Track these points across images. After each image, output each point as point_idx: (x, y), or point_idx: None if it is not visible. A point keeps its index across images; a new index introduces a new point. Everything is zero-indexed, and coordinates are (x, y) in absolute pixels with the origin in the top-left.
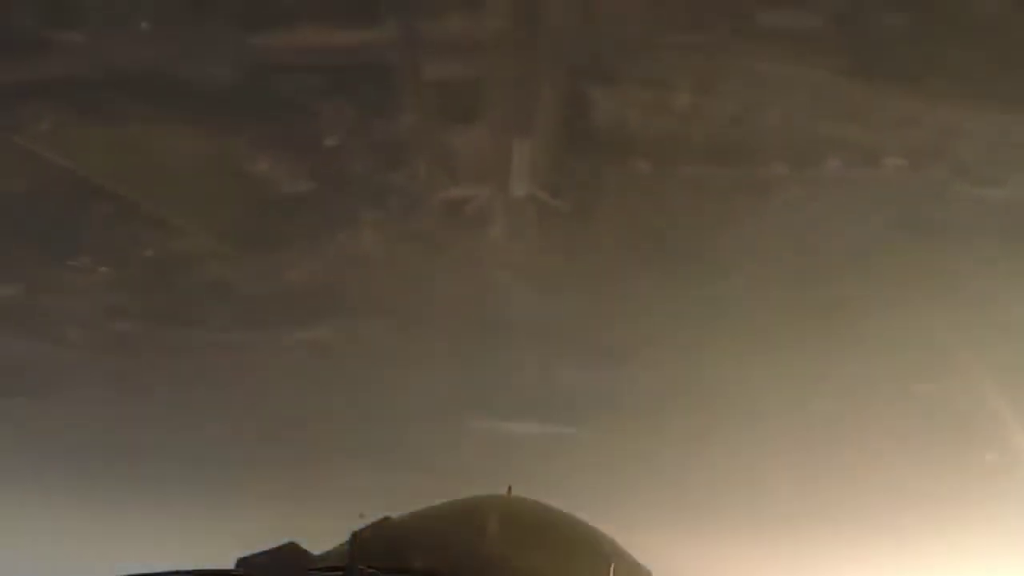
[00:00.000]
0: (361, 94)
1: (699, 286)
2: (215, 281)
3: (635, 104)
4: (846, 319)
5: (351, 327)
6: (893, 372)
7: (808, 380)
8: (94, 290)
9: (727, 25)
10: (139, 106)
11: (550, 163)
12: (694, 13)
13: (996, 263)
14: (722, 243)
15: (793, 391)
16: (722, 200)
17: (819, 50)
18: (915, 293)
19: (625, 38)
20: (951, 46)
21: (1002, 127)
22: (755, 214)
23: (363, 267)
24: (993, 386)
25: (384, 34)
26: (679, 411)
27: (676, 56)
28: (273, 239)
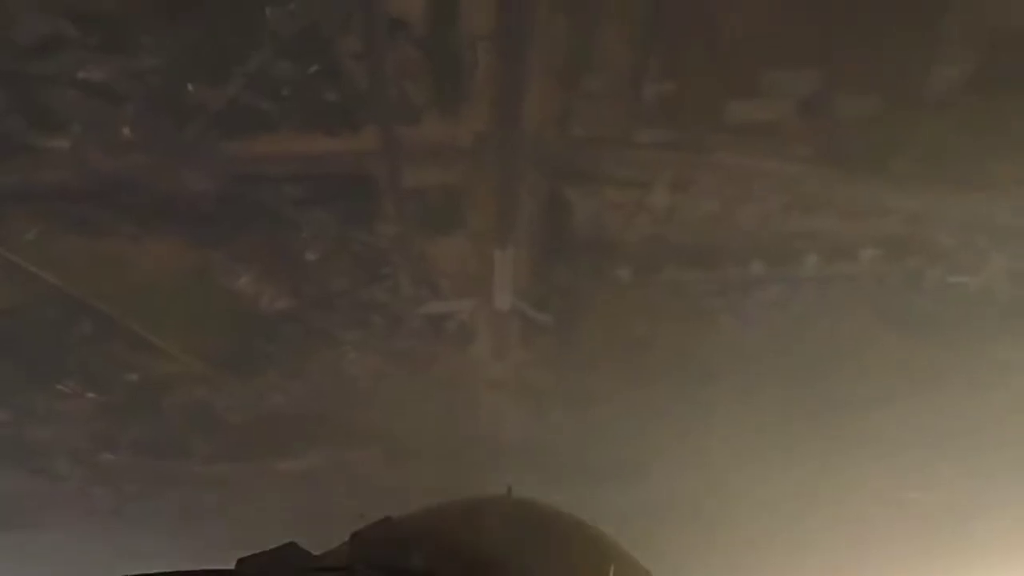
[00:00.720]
0: (341, 204)
1: (687, 397)
2: (200, 408)
3: (614, 206)
4: (834, 421)
5: (338, 457)
6: (886, 476)
7: (802, 489)
8: (81, 417)
9: (699, 121)
10: (122, 218)
11: (532, 273)
12: (667, 110)
13: (980, 354)
14: (707, 350)
15: (786, 501)
16: (704, 304)
17: (788, 140)
18: (900, 390)
19: (602, 137)
20: (914, 128)
21: (973, 209)
22: (737, 316)
23: (347, 391)
24: (983, 486)
25: (364, 141)
26: (674, 526)
27: (652, 154)
28: (256, 361)
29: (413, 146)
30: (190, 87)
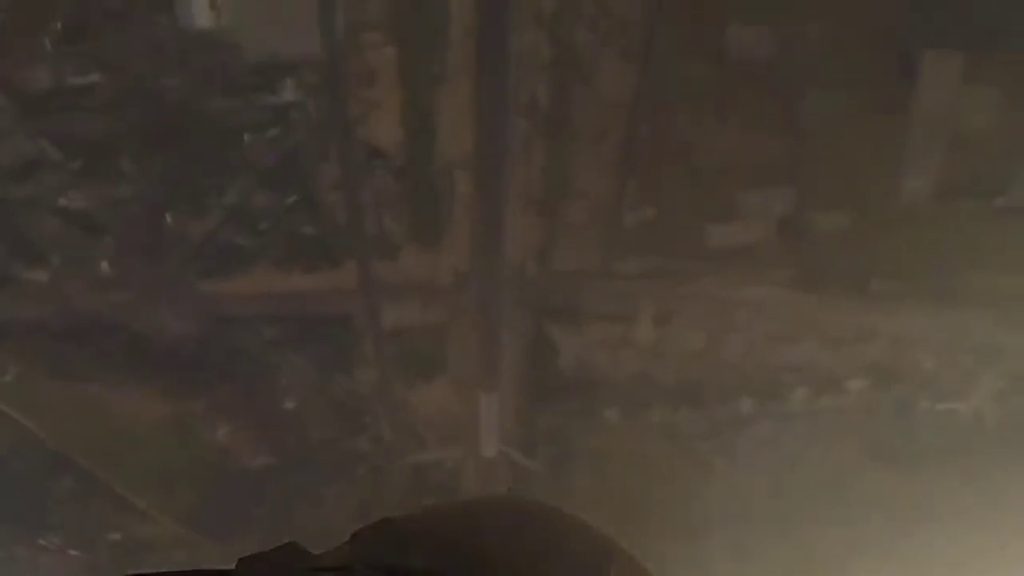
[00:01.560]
0: (320, 347)
1: (682, 555)
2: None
3: (599, 343)
4: (829, 570)
5: None
6: None
7: None
8: (63, 574)
9: (680, 247)
10: (102, 362)
11: (519, 417)
12: (647, 237)
13: (970, 484)
14: (701, 498)
15: None
16: (696, 447)
17: (767, 264)
18: (893, 528)
19: (584, 270)
20: (889, 241)
21: (956, 328)
22: (729, 457)
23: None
24: None
25: (342, 278)
26: None
27: (634, 285)
28: (237, 523)
29: (392, 283)
30: (168, 218)
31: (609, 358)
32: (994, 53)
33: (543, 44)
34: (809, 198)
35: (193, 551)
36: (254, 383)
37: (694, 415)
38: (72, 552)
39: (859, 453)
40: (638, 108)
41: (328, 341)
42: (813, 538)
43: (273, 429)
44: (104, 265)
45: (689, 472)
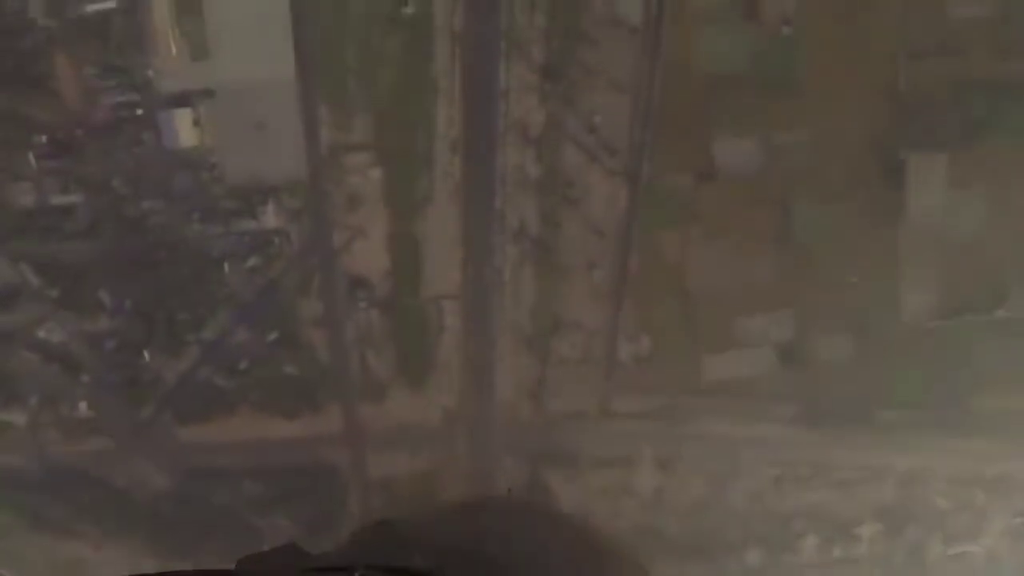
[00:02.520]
0: (305, 505)
1: None
2: None
3: (599, 492)
4: None
5: None
6: None
7: None
8: None
9: (678, 382)
10: (81, 517)
11: None
12: (644, 371)
13: None
14: None
15: None
16: None
17: (770, 399)
18: None
19: (579, 411)
20: (893, 368)
21: (967, 460)
22: None
23: None
24: None
25: (326, 424)
26: None
27: (632, 425)
28: None
29: (378, 428)
30: (147, 355)
31: (610, 507)
32: (974, 148)
33: (530, 164)
34: (808, 321)
35: None
36: (238, 544)
37: (702, 570)
38: None
39: None
40: (629, 231)
41: (313, 497)
42: None
43: None
44: (83, 406)
45: None
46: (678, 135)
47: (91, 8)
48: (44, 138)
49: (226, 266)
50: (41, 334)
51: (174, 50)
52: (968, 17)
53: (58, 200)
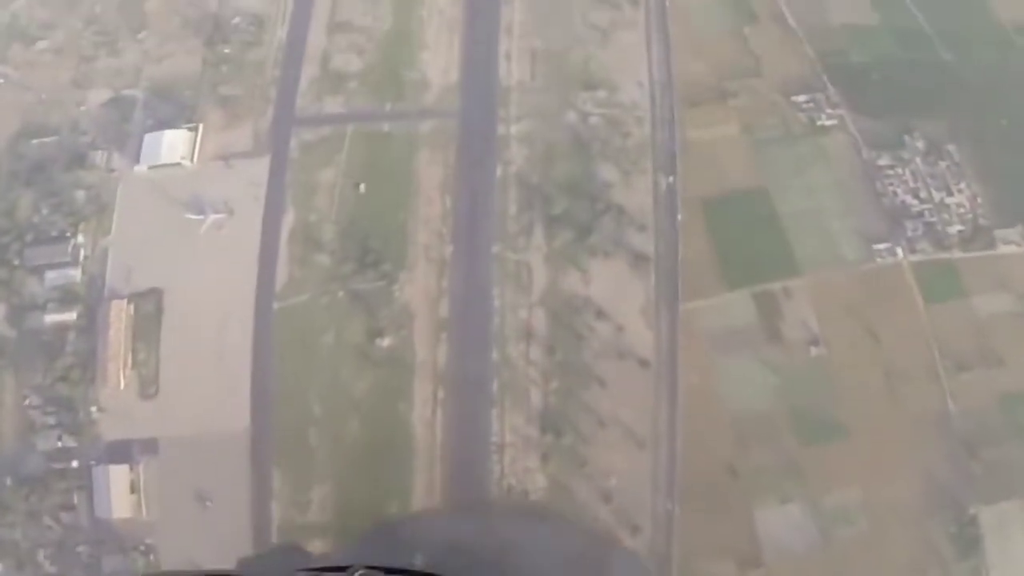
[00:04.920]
0: None
1: None
2: None
3: None
4: None
5: None
6: None
7: None
8: None
9: None
10: None
11: None
12: None
13: None
14: None
15: None
16: None
17: None
18: None
19: None
20: None
21: None
22: None
23: None
24: None
25: None
26: None
27: None
28: None
29: None
30: None
31: None
32: None
33: None
34: None
35: None
36: None
37: None
38: None
39: None
40: None
41: None
42: None
43: None
44: None
45: None
46: (711, 503)
47: (50, 319)
48: None
49: None
50: None
51: (123, 382)
52: (994, 312)
53: None
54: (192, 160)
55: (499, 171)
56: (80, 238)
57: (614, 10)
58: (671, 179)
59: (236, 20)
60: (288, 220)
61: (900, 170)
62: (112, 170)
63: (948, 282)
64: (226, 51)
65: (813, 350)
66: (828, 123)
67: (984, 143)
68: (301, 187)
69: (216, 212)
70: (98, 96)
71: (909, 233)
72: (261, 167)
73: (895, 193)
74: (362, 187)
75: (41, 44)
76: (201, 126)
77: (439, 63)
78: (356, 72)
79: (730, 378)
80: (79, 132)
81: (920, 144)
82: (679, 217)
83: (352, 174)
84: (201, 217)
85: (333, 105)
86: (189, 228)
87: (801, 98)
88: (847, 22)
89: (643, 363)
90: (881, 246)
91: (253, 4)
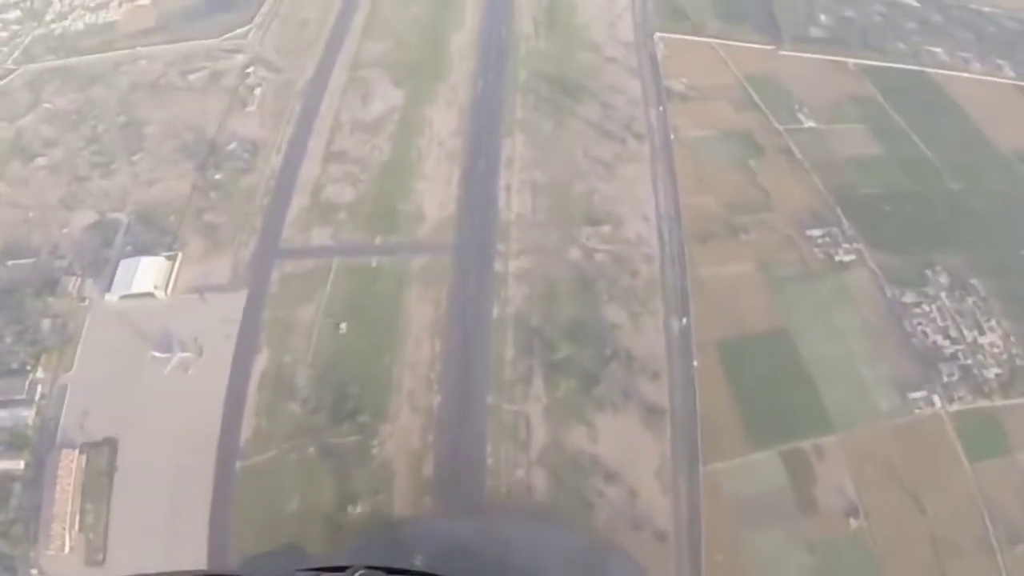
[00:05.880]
0: None
1: None
2: None
3: None
4: None
5: None
6: None
7: None
8: None
9: None
10: None
11: None
12: None
13: None
14: None
15: None
16: None
17: None
18: None
19: None
20: None
21: None
22: None
23: None
24: None
25: None
26: None
27: None
28: None
29: None
30: None
31: None
32: None
33: None
34: None
35: None
36: None
37: None
38: None
39: None
40: None
41: None
42: None
43: None
44: None
45: None
46: None
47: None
48: None
49: None
50: None
51: (68, 546)
52: None
53: None
54: (166, 291)
55: (495, 311)
56: (40, 372)
57: (618, 144)
58: (684, 321)
59: (232, 146)
60: (260, 361)
61: (926, 307)
62: (83, 298)
63: (992, 435)
64: (217, 177)
65: (852, 522)
66: (846, 258)
67: (1007, 275)
68: (277, 325)
69: (184, 351)
70: (83, 218)
71: (945, 378)
72: (237, 302)
73: (925, 333)
74: (343, 327)
75: (40, 161)
76: (180, 254)
77: (436, 195)
78: (347, 203)
79: (760, 556)
80: (57, 255)
81: (943, 279)
82: (695, 363)
83: (334, 312)
84: (167, 355)
85: (320, 237)
86: (154, 368)
87: (816, 232)
88: (852, 154)
89: (660, 536)
90: (917, 394)
91: (252, 130)
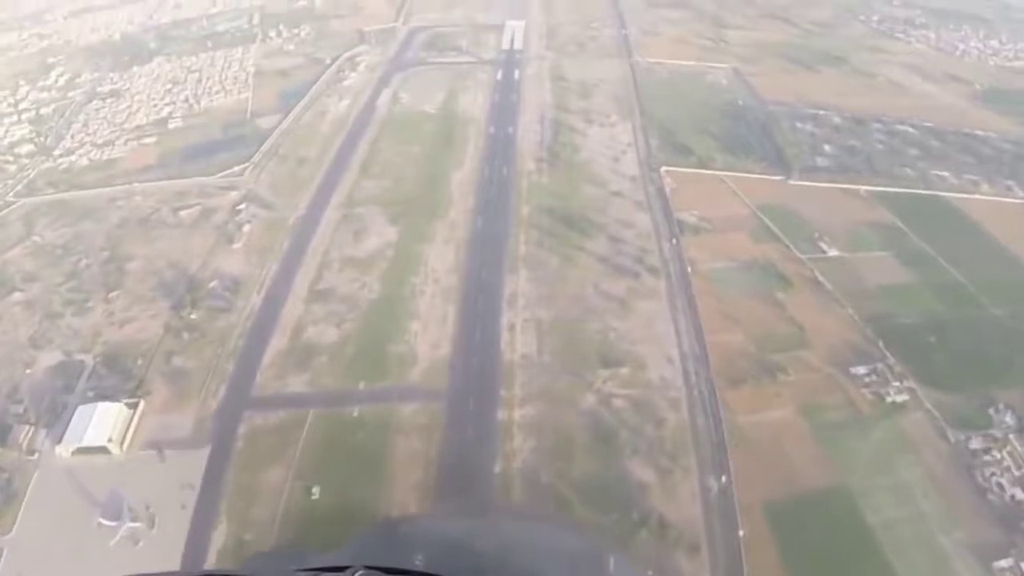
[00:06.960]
0: None
1: None
2: None
3: None
4: None
5: None
6: None
7: None
8: None
9: None
10: None
11: None
12: None
13: None
14: None
15: None
16: None
17: None
18: None
19: None
20: None
21: None
22: None
23: None
24: None
25: None
26: None
27: None
28: None
29: None
30: None
31: None
32: None
33: None
34: None
35: None
36: None
37: None
38: None
39: None
40: None
41: None
42: None
43: None
44: None
45: None
46: None
47: None
48: None
49: None
50: None
51: None
52: None
53: None
54: (121, 445)
55: (498, 466)
56: None
57: (631, 278)
58: (724, 479)
59: (213, 283)
60: (218, 538)
61: (996, 454)
62: (33, 451)
63: None
64: (192, 317)
65: None
66: (899, 399)
67: None
68: (241, 492)
69: (134, 520)
70: (49, 358)
71: None
72: (198, 461)
73: (1001, 486)
74: (315, 491)
75: (16, 296)
76: (142, 402)
77: (429, 335)
78: (329, 344)
79: None
80: (14, 399)
81: (1009, 419)
82: (740, 532)
83: (306, 473)
84: (116, 523)
85: (297, 383)
86: (100, 537)
87: (861, 370)
88: (883, 282)
89: None
90: (1003, 563)
91: (236, 267)
